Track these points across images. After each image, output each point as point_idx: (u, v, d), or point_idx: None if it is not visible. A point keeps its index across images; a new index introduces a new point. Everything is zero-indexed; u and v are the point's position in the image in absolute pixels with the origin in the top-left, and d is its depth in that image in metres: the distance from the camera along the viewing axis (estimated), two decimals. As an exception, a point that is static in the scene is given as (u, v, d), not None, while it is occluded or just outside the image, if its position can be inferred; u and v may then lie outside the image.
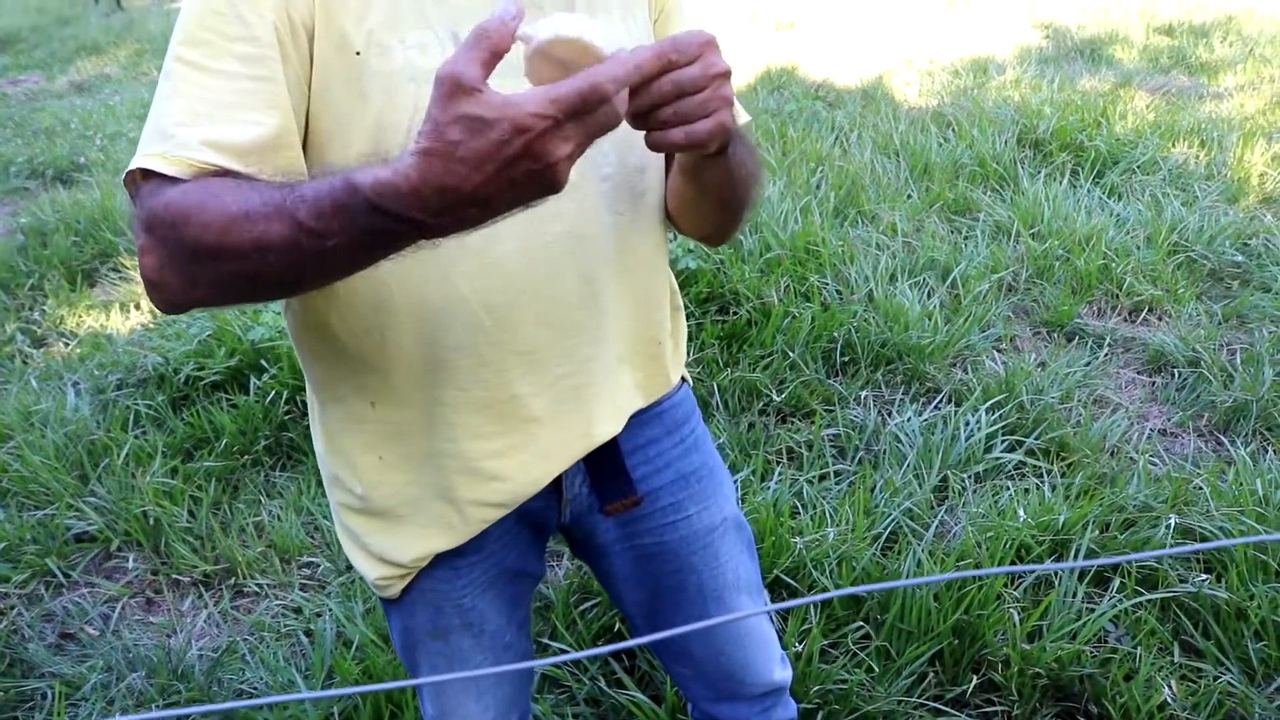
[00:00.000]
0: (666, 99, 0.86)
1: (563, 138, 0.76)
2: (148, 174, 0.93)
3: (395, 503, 1.19)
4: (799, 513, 2.57)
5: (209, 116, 0.94)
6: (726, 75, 0.89)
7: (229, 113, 0.94)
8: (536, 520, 1.29)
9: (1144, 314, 3.68)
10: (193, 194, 0.88)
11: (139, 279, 4.06)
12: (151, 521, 2.68)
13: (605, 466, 1.25)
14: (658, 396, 1.30)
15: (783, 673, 1.47)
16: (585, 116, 0.76)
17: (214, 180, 0.90)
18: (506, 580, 1.30)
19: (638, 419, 1.28)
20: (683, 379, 1.38)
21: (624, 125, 1.09)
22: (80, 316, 3.89)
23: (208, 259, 0.87)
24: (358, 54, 0.99)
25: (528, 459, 1.17)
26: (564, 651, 2.20)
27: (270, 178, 0.92)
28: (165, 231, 0.89)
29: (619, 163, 1.13)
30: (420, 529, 1.19)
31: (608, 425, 1.21)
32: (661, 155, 1.21)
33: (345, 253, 0.84)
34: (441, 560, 1.23)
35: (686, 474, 1.33)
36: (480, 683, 1.33)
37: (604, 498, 1.26)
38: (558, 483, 1.24)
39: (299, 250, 0.84)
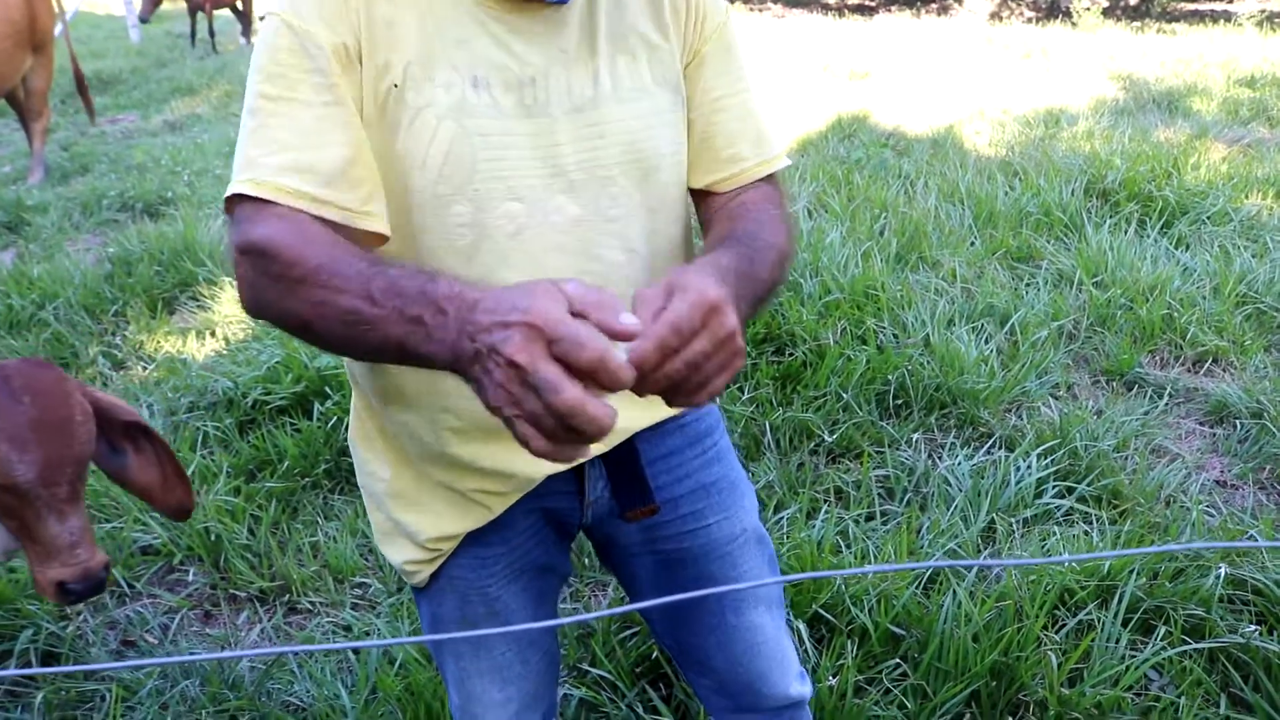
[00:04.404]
0: (683, 378, 0.87)
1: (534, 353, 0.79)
2: (242, 198, 1.04)
3: (411, 487, 1.28)
4: (841, 550, 2.58)
5: (292, 144, 1.04)
6: (734, 334, 0.88)
7: (309, 139, 1.04)
8: (560, 519, 1.34)
9: (1208, 365, 3.62)
10: (288, 235, 0.99)
11: (215, 308, 4.23)
12: (213, 538, 2.77)
13: (625, 475, 1.29)
14: (676, 412, 1.33)
15: (800, 687, 1.48)
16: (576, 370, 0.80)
17: (311, 226, 1.01)
18: (532, 574, 1.35)
19: (660, 429, 1.32)
20: None
21: (642, 162, 1.14)
22: (159, 342, 4.04)
23: (283, 293, 0.99)
24: (395, 86, 1.07)
25: (527, 460, 1.22)
26: (604, 680, 2.23)
27: (348, 206, 1.04)
28: (255, 259, 1.01)
29: (629, 204, 1.17)
30: (436, 514, 1.27)
31: (613, 438, 1.26)
32: (679, 194, 1.25)
33: (380, 333, 0.92)
34: (467, 549, 1.29)
35: (707, 484, 1.36)
36: (505, 672, 1.37)
37: (623, 504, 1.30)
38: (581, 484, 1.30)
39: (351, 318, 0.94)
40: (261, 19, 1.08)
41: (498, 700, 1.38)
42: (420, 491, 1.28)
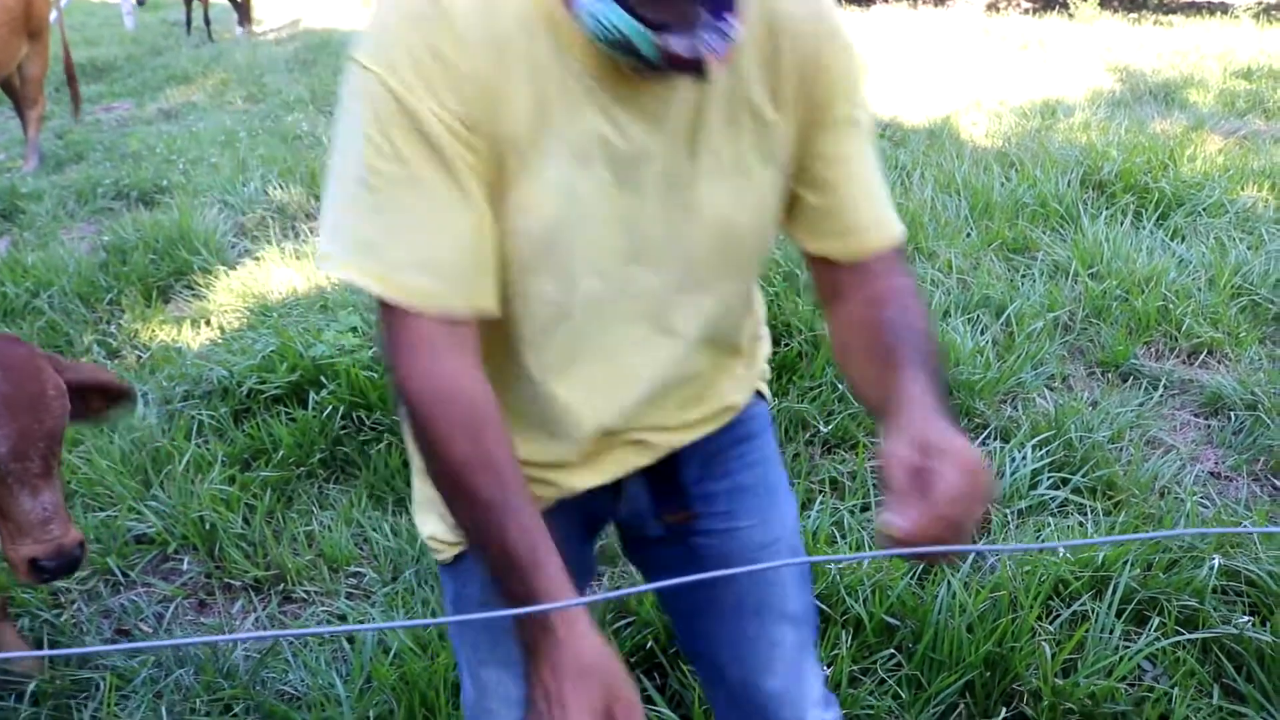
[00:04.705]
0: (952, 539, 0.92)
1: None
2: (390, 304, 1.01)
3: None
4: (837, 540, 2.58)
5: (416, 238, 0.99)
6: (992, 489, 0.93)
7: (432, 229, 0.99)
8: (594, 512, 1.34)
9: (1203, 356, 3.63)
10: (439, 399, 1.01)
11: (210, 297, 4.22)
12: (208, 527, 2.77)
13: (664, 479, 1.30)
14: (726, 421, 1.33)
15: (821, 714, 1.38)
16: None
17: (462, 377, 1.02)
18: None
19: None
20: (760, 395, 1.40)
21: (728, 238, 1.16)
22: (153, 331, 4.03)
23: (423, 451, 1.04)
24: (504, 157, 1.03)
25: (568, 474, 1.24)
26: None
27: (477, 301, 1.04)
28: (411, 416, 1.03)
29: (708, 277, 1.16)
30: None
31: (661, 451, 1.28)
32: (755, 264, 1.24)
33: (481, 561, 1.04)
34: None
35: (744, 487, 1.34)
36: (522, 666, 1.36)
37: (660, 507, 1.31)
38: (618, 490, 1.30)
39: (467, 523, 1.04)
40: (352, 63, 1.01)
41: (515, 699, 1.31)
42: None
